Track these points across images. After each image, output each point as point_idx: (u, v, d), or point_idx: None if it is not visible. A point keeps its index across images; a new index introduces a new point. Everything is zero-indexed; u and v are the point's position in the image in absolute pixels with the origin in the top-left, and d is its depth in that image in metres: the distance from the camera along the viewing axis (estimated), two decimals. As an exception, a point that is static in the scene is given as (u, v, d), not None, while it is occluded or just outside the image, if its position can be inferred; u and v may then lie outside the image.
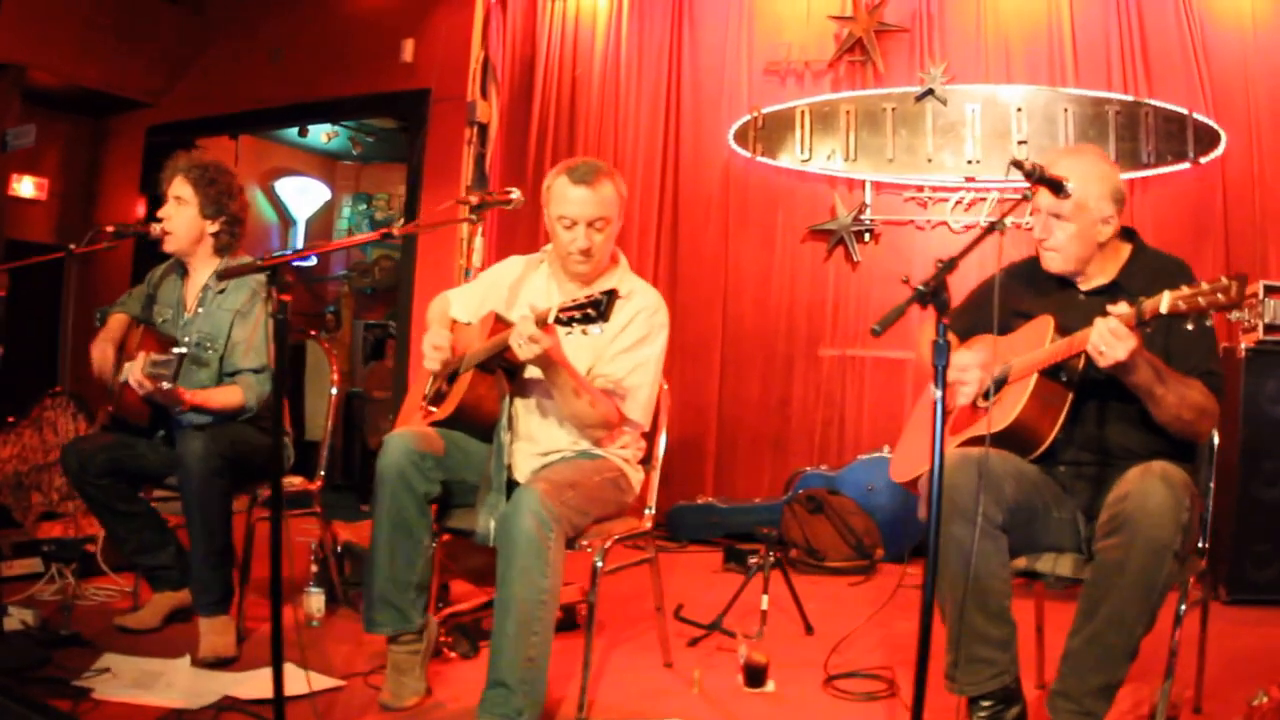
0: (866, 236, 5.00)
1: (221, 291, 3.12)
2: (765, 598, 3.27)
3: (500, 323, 2.71)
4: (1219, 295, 2.01)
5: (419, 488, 2.54)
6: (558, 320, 2.30)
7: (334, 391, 3.47)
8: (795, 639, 3.38)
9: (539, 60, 5.41)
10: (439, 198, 5.35)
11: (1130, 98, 4.50)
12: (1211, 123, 4.42)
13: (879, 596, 4.08)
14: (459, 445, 2.66)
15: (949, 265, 2.02)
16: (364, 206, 8.20)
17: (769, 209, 5.17)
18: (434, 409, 2.82)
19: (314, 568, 3.33)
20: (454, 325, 2.94)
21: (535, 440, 2.70)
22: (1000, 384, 2.47)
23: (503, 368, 2.68)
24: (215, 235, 3.15)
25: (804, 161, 5.03)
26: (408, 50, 5.33)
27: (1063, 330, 2.40)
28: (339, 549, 3.52)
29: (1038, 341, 2.44)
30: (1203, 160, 4.38)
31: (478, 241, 5.38)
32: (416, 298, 5.41)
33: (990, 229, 2.15)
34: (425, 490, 2.55)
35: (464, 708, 2.63)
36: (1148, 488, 2.12)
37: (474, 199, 2.58)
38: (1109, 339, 2.11)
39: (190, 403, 2.89)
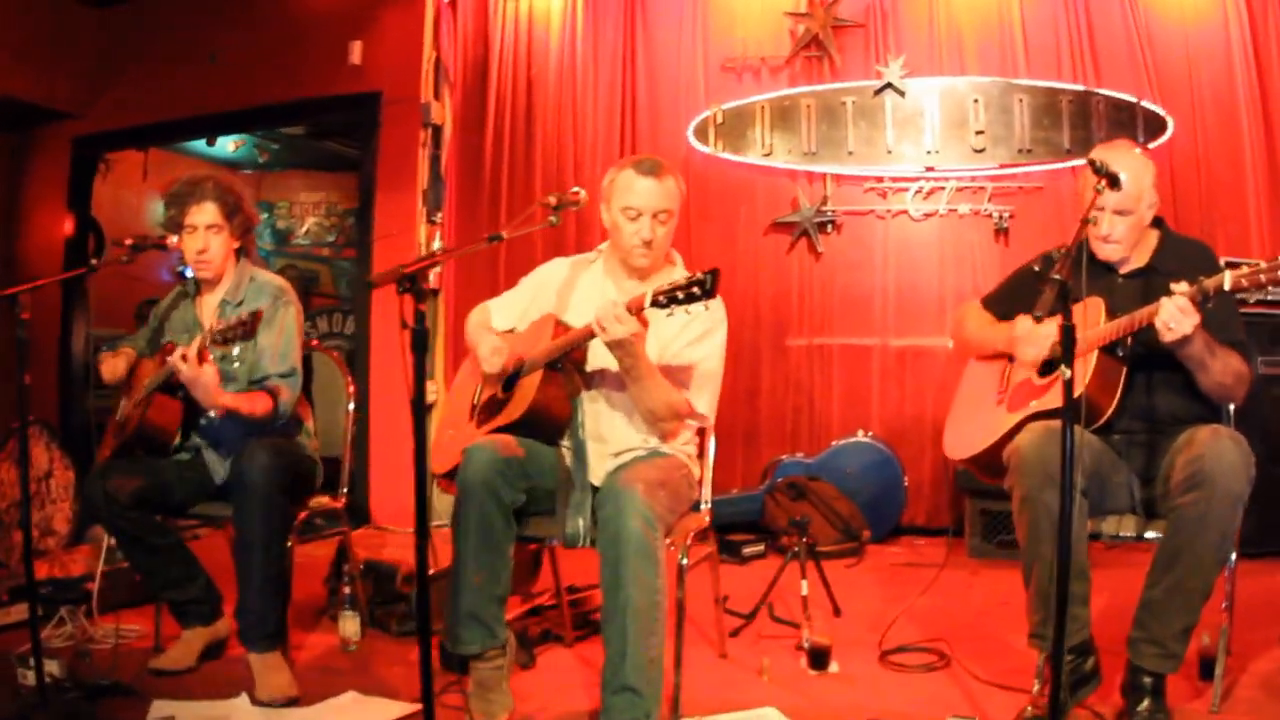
0: (829, 228, 5.12)
1: (240, 304, 3.01)
2: (804, 583, 3.32)
3: (561, 326, 2.68)
4: (1278, 273, 2.18)
5: (505, 498, 2.49)
6: (655, 302, 2.28)
7: (351, 406, 3.35)
8: (826, 621, 3.45)
9: (492, 60, 5.33)
10: (394, 201, 5.26)
11: (1081, 88, 4.75)
12: (1159, 110, 4.70)
13: (877, 576, 4.23)
14: (532, 450, 2.62)
15: (1068, 253, 2.12)
16: (265, 215, 7.93)
17: (730, 204, 5.23)
18: (486, 415, 2.77)
19: (346, 589, 3.21)
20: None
21: (606, 440, 2.69)
22: (1058, 362, 2.59)
23: (575, 365, 2.65)
24: (236, 250, 3.08)
25: (765, 156, 5.12)
26: (356, 52, 5.19)
27: (1109, 310, 2.55)
28: (361, 568, 3.41)
29: (1092, 321, 2.57)
30: (1151, 145, 4.64)
31: (436, 246, 5.27)
32: (374, 306, 5.26)
33: (1084, 223, 2.29)
34: (511, 500, 2.50)
35: (556, 717, 2.60)
36: (1222, 446, 2.29)
37: (552, 200, 2.53)
38: (1177, 316, 2.27)
39: (224, 405, 2.76)
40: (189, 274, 3.05)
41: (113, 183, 5.94)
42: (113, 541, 3.28)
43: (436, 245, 5.27)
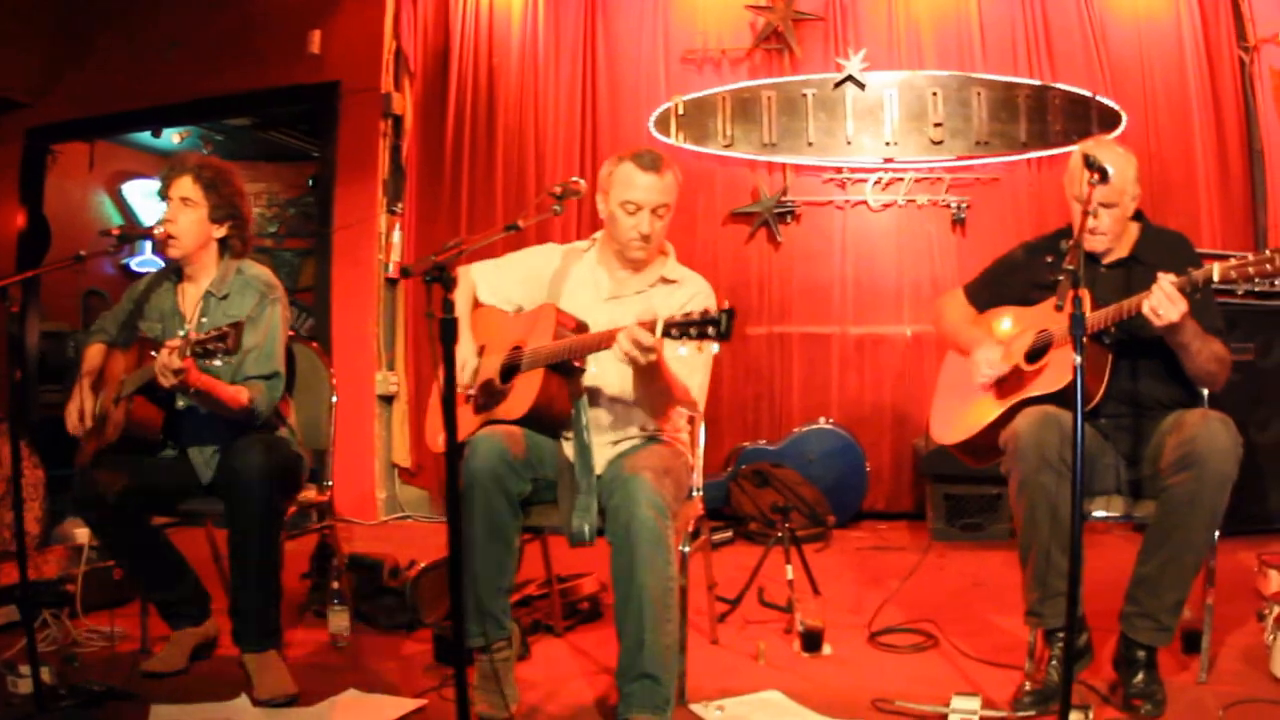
0: (788, 218, 5.19)
1: (224, 298, 2.92)
2: (789, 568, 3.39)
3: (563, 316, 2.67)
4: (1266, 265, 2.30)
5: (513, 488, 2.49)
6: (667, 334, 2.26)
7: (334, 399, 3.31)
8: (811, 603, 3.51)
9: (453, 50, 5.30)
10: (355, 191, 5.20)
11: (1038, 82, 4.90)
12: (1113, 104, 4.87)
13: (846, 560, 4.32)
14: (533, 440, 2.62)
15: (1079, 247, 2.20)
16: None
17: (689, 194, 5.22)
18: (484, 402, 2.75)
19: (335, 584, 3.18)
20: (475, 306, 2.87)
21: (605, 430, 2.70)
22: (1045, 348, 2.69)
23: (578, 367, 2.64)
24: (221, 240, 2.95)
25: (726, 146, 5.16)
26: (315, 42, 5.11)
27: (1093, 300, 2.64)
28: (346, 562, 3.37)
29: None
30: (1106, 139, 4.79)
31: (396, 237, 5.23)
32: (335, 295, 5.18)
33: (1086, 214, 2.41)
34: (519, 491, 2.51)
35: (565, 707, 2.62)
36: (1213, 429, 2.39)
37: (557, 189, 2.53)
38: (1165, 303, 2.37)
39: (196, 383, 2.64)
40: (132, 265, 2.95)
41: (58, 174, 5.75)
42: (90, 541, 3.22)
43: (396, 236, 5.23)
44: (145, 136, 6.38)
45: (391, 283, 5.30)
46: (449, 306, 1.91)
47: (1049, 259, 2.73)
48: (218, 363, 2.59)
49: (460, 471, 2.57)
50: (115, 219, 7.04)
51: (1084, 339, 2.55)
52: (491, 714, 2.49)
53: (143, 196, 7.19)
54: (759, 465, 4.87)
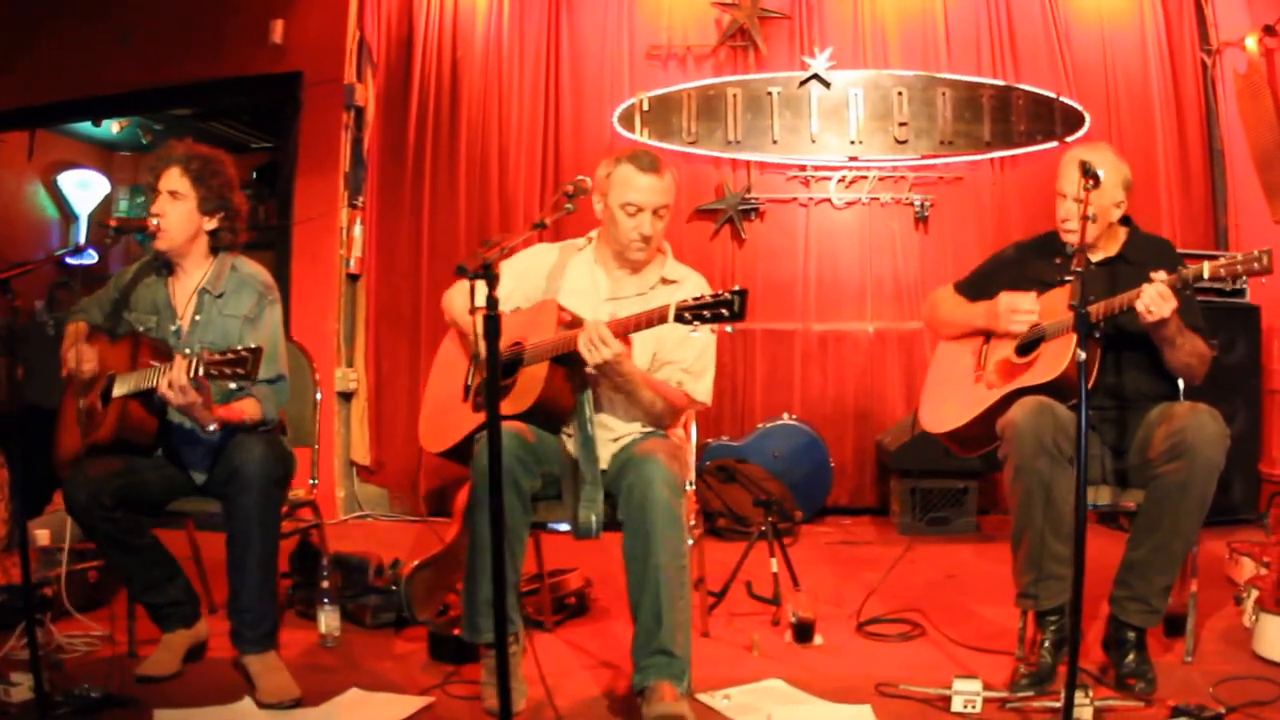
0: (753, 215, 5.25)
1: (220, 296, 2.84)
2: (774, 561, 3.43)
3: (565, 313, 2.67)
4: (1254, 264, 2.41)
5: (524, 484, 2.48)
6: (680, 318, 2.30)
7: (319, 395, 3.26)
8: (797, 595, 3.55)
9: (417, 42, 5.22)
10: (315, 184, 5.11)
11: (1002, 83, 5.03)
12: (1076, 105, 5.01)
13: (817, 555, 4.37)
14: (539, 436, 2.62)
15: (1083, 250, 2.27)
16: (141, 199, 7.50)
17: (654, 191, 5.28)
18: (479, 402, 2.74)
19: (324, 583, 3.12)
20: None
21: (609, 427, 2.71)
22: (1038, 341, 2.77)
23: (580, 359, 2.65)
24: (212, 233, 2.86)
25: (690, 143, 5.20)
26: (277, 31, 5.00)
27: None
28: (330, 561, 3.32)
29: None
30: (1069, 139, 4.95)
31: (357, 231, 5.15)
32: (294, 290, 5.07)
33: (1086, 220, 2.49)
34: (530, 486, 2.51)
35: (573, 700, 2.61)
36: (1202, 420, 2.50)
37: (569, 188, 2.54)
38: (1157, 301, 2.47)
39: (219, 420, 2.62)
40: (67, 260, 2.82)
41: (-3, 164, 5.55)
42: (67, 544, 3.12)
43: (358, 230, 5.15)
44: (85, 126, 6.17)
45: (352, 278, 5.21)
46: (493, 304, 1.91)
47: (1057, 260, 2.81)
48: (232, 385, 2.53)
49: (468, 467, 2.59)
50: (50, 209, 6.79)
51: (1056, 334, 2.70)
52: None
53: (76, 186, 6.95)
54: (724, 461, 4.90)
